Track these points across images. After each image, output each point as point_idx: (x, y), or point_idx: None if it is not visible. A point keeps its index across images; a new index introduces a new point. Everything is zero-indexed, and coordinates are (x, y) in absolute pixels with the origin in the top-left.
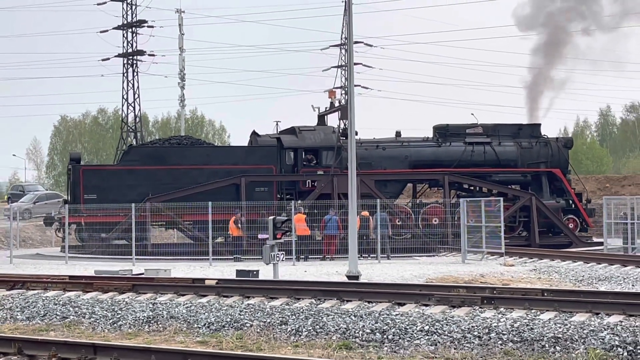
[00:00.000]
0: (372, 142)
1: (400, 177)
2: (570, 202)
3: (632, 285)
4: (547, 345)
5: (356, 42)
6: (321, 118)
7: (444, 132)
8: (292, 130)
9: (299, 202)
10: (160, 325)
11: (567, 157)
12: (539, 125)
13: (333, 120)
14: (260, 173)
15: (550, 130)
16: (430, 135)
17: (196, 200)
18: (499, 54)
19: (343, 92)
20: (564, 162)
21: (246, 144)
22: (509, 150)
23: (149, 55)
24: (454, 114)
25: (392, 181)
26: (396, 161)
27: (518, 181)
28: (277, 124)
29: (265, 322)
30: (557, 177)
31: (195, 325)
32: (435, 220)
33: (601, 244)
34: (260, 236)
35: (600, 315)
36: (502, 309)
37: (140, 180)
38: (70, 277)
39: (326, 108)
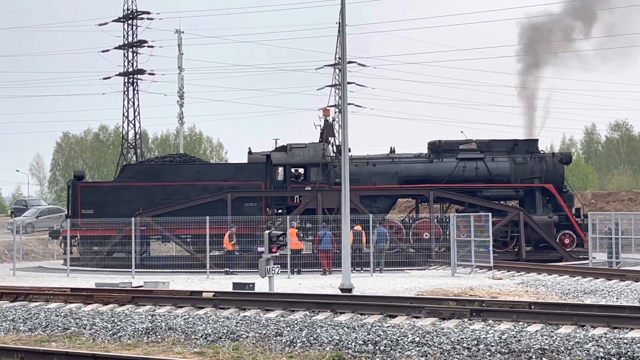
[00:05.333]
0: (362, 159)
1: (386, 192)
2: (566, 217)
3: (617, 298)
4: (534, 357)
5: (350, 62)
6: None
7: (436, 149)
8: (283, 148)
9: (299, 217)
10: (158, 337)
11: (563, 173)
12: (536, 140)
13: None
14: (250, 189)
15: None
16: (425, 151)
17: (186, 215)
18: (492, 74)
19: (337, 110)
20: (559, 178)
21: (243, 161)
22: (501, 165)
23: (149, 74)
24: (447, 132)
25: (381, 196)
26: (386, 177)
27: (510, 196)
28: (275, 142)
29: (260, 333)
30: (551, 192)
31: (193, 337)
32: (426, 235)
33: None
34: (258, 249)
35: (585, 327)
36: (490, 321)
37: (134, 196)
38: (72, 289)
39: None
